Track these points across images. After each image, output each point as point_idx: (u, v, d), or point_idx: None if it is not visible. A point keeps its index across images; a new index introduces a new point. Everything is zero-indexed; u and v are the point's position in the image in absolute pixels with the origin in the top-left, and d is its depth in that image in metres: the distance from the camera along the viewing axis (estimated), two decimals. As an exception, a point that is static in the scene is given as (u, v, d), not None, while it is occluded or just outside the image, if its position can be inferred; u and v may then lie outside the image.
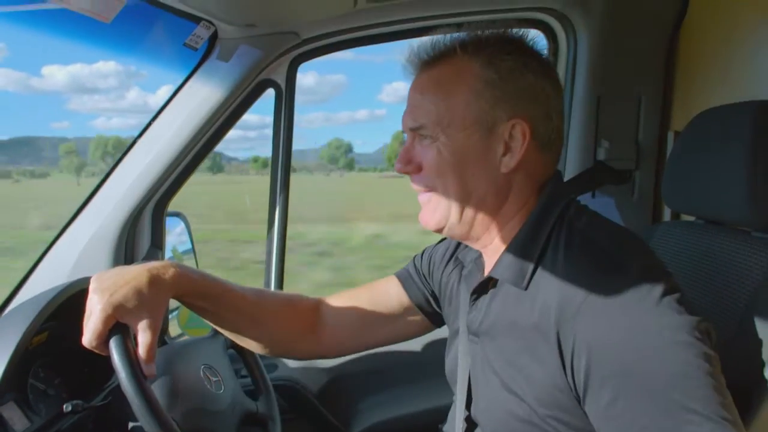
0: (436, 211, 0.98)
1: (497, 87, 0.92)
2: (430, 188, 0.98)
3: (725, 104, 1.19)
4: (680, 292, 0.81)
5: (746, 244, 1.09)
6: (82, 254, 1.55)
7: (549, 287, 0.86)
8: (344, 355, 1.32)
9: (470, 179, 0.95)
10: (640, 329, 0.77)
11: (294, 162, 1.85)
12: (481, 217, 0.97)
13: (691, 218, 1.29)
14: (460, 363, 1.06)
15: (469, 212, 0.97)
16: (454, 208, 0.97)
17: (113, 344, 0.95)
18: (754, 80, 1.48)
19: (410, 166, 0.99)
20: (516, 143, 0.92)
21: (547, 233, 0.92)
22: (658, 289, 0.80)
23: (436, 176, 0.96)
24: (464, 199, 0.96)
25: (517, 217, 0.97)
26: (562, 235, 0.91)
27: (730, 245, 1.11)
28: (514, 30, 0.97)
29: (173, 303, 1.61)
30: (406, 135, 1.01)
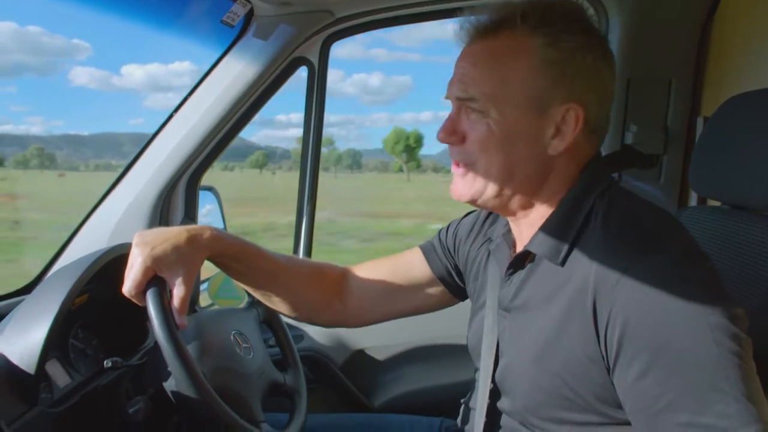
0: (473, 186, 0.96)
1: (557, 67, 0.88)
2: (471, 162, 0.95)
3: (756, 89, 1.17)
4: (717, 274, 0.82)
5: None
6: (119, 223, 1.62)
7: (587, 261, 0.86)
8: (368, 324, 1.35)
9: (515, 158, 0.92)
10: (677, 307, 0.77)
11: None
12: (519, 196, 0.96)
13: (718, 204, 1.28)
14: (485, 337, 1.06)
15: (508, 190, 0.95)
16: (492, 184, 0.94)
17: (150, 294, 1.02)
18: None
19: (454, 136, 0.95)
20: (568, 128, 0.90)
21: (587, 210, 0.91)
22: (699, 270, 0.81)
23: (480, 151, 0.93)
24: (505, 177, 0.93)
25: (557, 196, 0.95)
26: (602, 212, 0.90)
27: (756, 230, 1.10)
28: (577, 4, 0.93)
29: (204, 274, 1.68)
30: (451, 102, 0.97)
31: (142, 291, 1.03)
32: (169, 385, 1.07)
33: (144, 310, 1.03)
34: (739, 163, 1.14)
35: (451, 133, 0.96)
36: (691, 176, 1.30)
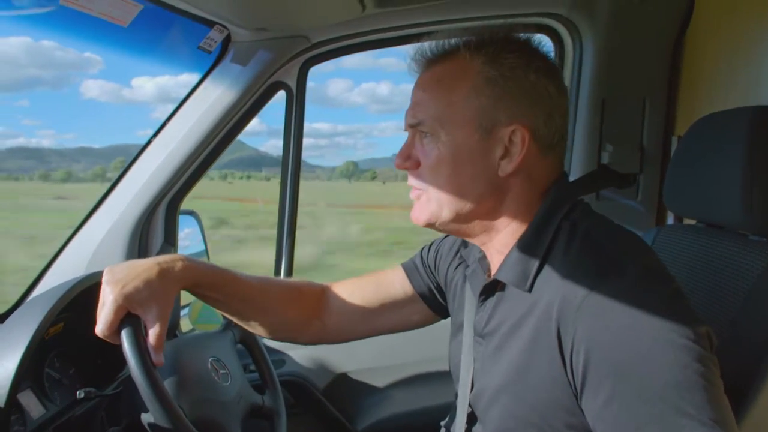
0: (427, 208, 0.98)
1: (498, 85, 0.91)
2: (425, 186, 0.97)
3: (724, 110, 1.20)
4: (681, 294, 0.82)
5: (743, 248, 1.09)
6: (97, 249, 1.60)
7: (551, 287, 0.86)
8: (348, 341, 1.34)
9: (466, 179, 0.94)
10: (637, 330, 0.76)
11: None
12: (477, 218, 0.97)
13: (693, 222, 1.30)
14: (463, 360, 1.06)
15: (462, 212, 0.96)
16: (447, 206, 0.96)
17: (124, 334, 0.99)
18: (758, 87, 1.49)
19: (409, 161, 0.98)
20: (515, 148, 0.91)
21: (551, 235, 0.91)
22: (658, 290, 0.80)
23: (432, 173, 0.95)
24: (458, 198, 0.95)
25: (519, 220, 0.96)
26: (564, 237, 0.90)
27: (728, 248, 1.12)
28: (520, 33, 0.96)
29: (184, 300, 1.67)
30: (408, 132, 1.00)
31: (115, 330, 1.01)
32: (146, 417, 1.05)
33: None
34: (711, 183, 1.15)
35: (406, 158, 0.99)
36: (665, 195, 1.32)
